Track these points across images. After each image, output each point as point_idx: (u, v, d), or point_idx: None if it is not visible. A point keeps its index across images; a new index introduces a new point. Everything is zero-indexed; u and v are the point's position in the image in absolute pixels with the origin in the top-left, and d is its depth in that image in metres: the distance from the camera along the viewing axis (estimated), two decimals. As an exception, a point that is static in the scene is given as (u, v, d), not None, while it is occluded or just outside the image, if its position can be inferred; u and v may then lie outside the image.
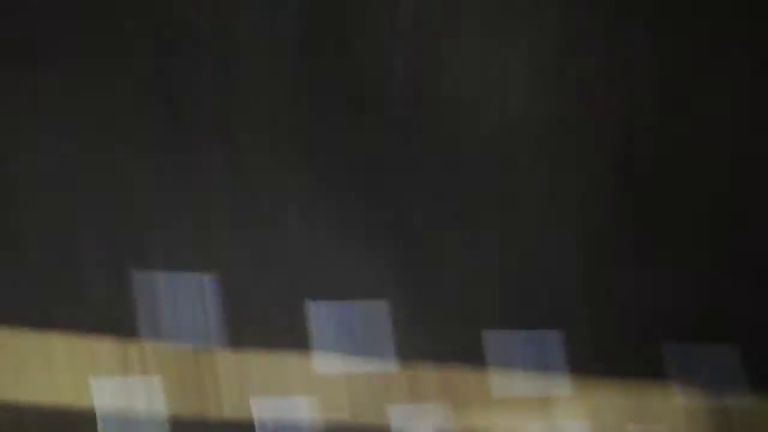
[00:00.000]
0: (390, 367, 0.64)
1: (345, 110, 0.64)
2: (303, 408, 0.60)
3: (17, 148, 0.55)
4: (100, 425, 0.54)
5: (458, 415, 0.64)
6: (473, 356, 0.65)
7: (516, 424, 0.64)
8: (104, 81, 0.58)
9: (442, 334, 0.65)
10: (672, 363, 0.68)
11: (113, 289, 0.57)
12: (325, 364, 0.62)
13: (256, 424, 0.58)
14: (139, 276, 0.58)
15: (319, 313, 0.63)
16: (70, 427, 0.54)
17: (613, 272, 0.67)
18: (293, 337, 0.62)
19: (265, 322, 0.61)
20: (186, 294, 0.60)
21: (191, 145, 0.61)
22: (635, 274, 0.68)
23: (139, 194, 0.58)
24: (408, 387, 0.64)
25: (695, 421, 0.66)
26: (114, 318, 0.57)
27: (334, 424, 0.59)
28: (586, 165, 0.66)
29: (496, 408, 0.64)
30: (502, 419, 0.63)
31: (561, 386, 0.67)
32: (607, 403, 0.68)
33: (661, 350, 0.68)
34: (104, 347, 0.59)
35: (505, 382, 0.65)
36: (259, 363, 0.60)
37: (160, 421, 0.56)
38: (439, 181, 0.65)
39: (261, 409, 0.59)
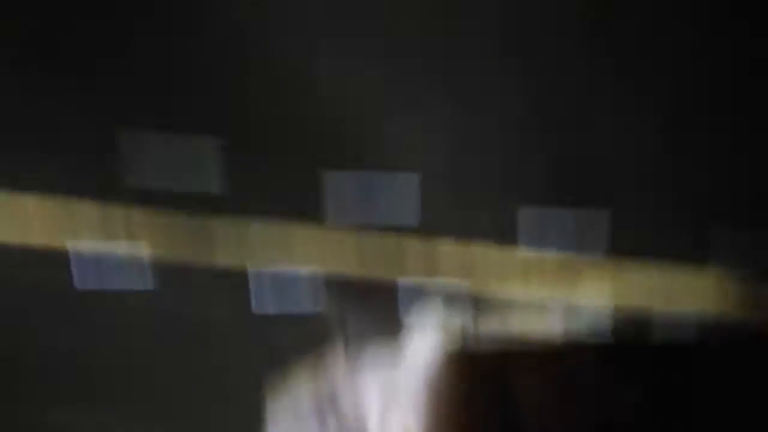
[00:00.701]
0: (409, 239, 0.58)
1: None
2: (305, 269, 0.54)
3: None
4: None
5: (476, 287, 0.59)
6: (504, 234, 0.60)
7: (537, 297, 0.59)
8: None
9: (473, 210, 0.59)
10: (719, 248, 0.64)
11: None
12: (336, 234, 0.56)
13: (250, 276, 0.53)
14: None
15: (336, 184, 0.55)
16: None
17: (671, 156, 0.60)
18: (305, 207, 0.55)
19: (274, 190, 0.54)
20: (183, 158, 0.52)
21: None
22: (693, 159, 0.61)
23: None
24: (425, 260, 0.59)
25: (729, 303, 0.63)
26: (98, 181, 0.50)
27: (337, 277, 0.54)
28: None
29: (517, 281, 0.59)
30: (522, 292, 0.59)
31: (593, 265, 0.62)
32: (637, 283, 0.64)
33: (708, 235, 0.63)
34: (86, 211, 0.53)
35: (533, 260, 0.61)
36: (262, 232, 0.54)
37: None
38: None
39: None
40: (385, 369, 0.39)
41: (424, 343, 0.38)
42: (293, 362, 0.41)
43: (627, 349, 0.44)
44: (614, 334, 0.42)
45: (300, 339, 0.41)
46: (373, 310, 0.39)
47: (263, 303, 0.47)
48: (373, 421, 0.39)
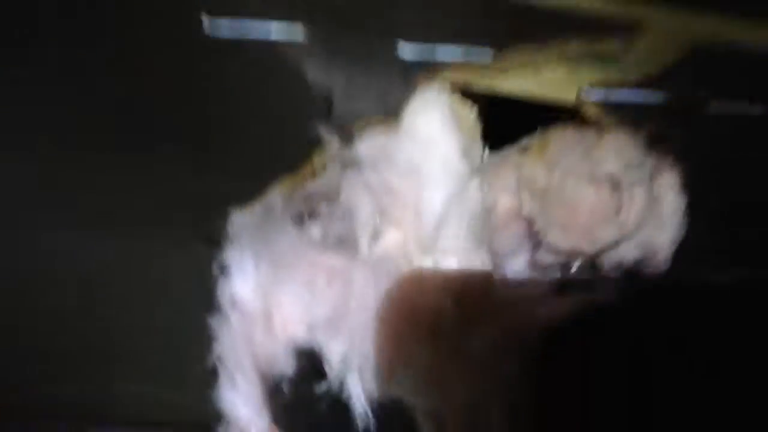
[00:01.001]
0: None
1: None
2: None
3: None
4: None
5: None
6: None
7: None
8: None
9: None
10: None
11: None
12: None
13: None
14: None
15: None
16: None
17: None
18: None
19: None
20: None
21: None
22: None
23: None
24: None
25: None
26: None
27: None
28: None
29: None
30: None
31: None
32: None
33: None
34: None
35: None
36: None
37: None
38: None
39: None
40: (381, 165, 0.31)
41: (429, 136, 0.30)
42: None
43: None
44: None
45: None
46: (375, 84, 0.30)
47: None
48: (364, 227, 0.32)
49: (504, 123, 0.39)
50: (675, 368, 0.48)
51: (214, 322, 0.30)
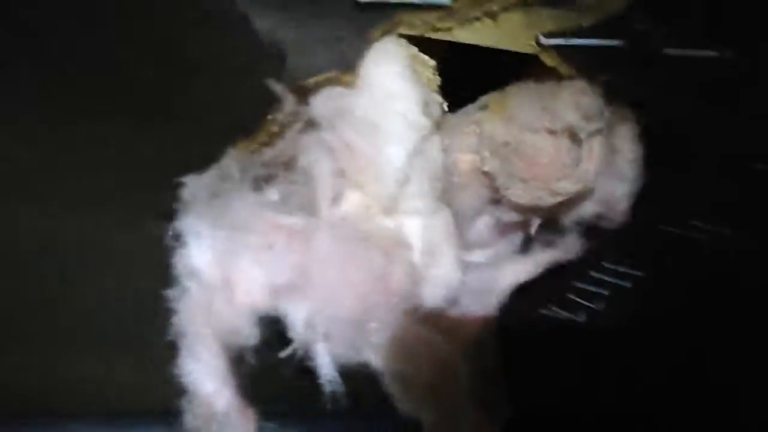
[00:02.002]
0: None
1: None
2: None
3: None
4: None
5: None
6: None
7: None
8: None
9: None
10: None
11: None
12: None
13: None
14: None
15: None
16: None
17: None
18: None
19: None
20: None
21: None
22: None
23: None
24: None
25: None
26: None
27: None
28: None
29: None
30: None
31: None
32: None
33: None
34: None
35: None
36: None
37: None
38: None
39: None
40: (338, 123, 0.29)
41: (387, 91, 0.29)
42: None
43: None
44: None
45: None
46: (329, 36, 0.28)
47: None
48: (324, 189, 0.30)
49: (464, 79, 0.38)
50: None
51: (172, 295, 0.28)
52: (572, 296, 0.59)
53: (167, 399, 0.30)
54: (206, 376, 0.26)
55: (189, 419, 0.26)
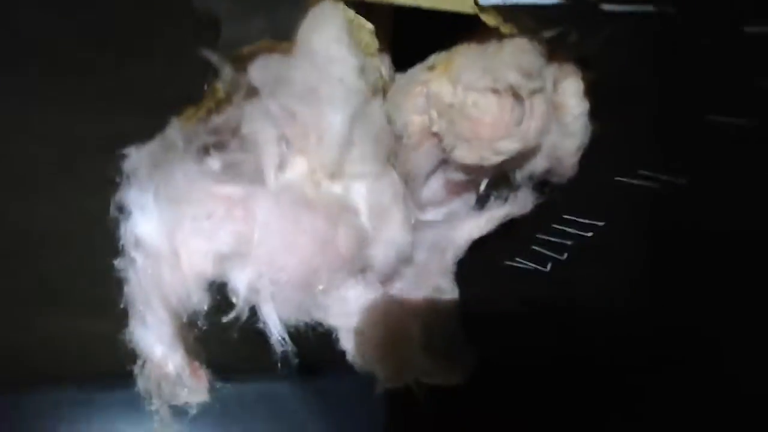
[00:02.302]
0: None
1: None
2: None
3: None
4: None
5: None
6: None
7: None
8: None
9: None
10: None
11: None
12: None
13: None
14: None
15: None
16: None
17: None
18: None
19: None
20: None
21: None
22: None
23: None
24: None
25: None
26: None
27: None
28: None
29: None
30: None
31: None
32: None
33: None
34: None
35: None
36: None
37: None
38: None
39: None
40: (278, 90, 0.30)
41: (328, 56, 0.29)
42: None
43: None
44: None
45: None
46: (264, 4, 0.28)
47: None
48: (268, 157, 0.31)
49: (414, 41, 0.38)
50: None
51: (120, 264, 0.29)
52: (537, 248, 0.60)
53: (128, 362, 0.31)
54: (155, 342, 0.27)
55: (142, 382, 0.27)
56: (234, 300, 0.28)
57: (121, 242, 0.29)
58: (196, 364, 0.29)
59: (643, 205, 0.51)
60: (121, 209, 0.29)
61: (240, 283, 0.28)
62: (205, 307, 0.29)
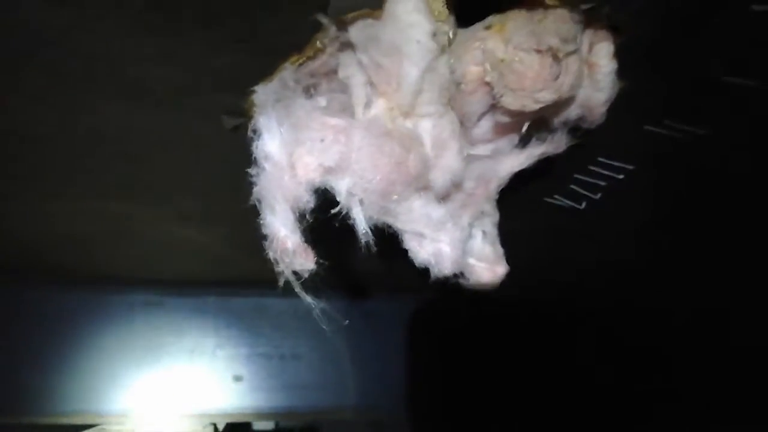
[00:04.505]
0: None
1: None
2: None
3: None
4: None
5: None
6: None
7: None
8: None
9: None
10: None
11: None
12: None
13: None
14: None
15: None
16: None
17: None
18: None
19: None
20: None
21: None
22: None
23: None
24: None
25: None
26: None
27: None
28: None
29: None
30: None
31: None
32: None
33: None
34: None
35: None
36: None
37: None
38: None
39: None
40: (370, 46, 0.39)
41: (407, 20, 0.38)
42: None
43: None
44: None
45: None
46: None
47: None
48: (358, 97, 0.41)
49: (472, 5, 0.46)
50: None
51: (252, 172, 0.40)
52: (574, 186, 0.69)
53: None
54: (280, 225, 0.38)
55: (270, 254, 0.38)
56: (337, 201, 0.39)
57: (253, 155, 0.39)
58: (306, 244, 0.39)
59: (668, 153, 0.59)
60: (254, 131, 0.39)
61: (340, 189, 0.38)
62: (312, 206, 0.39)
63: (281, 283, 0.38)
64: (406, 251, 0.44)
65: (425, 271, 0.46)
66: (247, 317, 0.85)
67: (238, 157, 0.41)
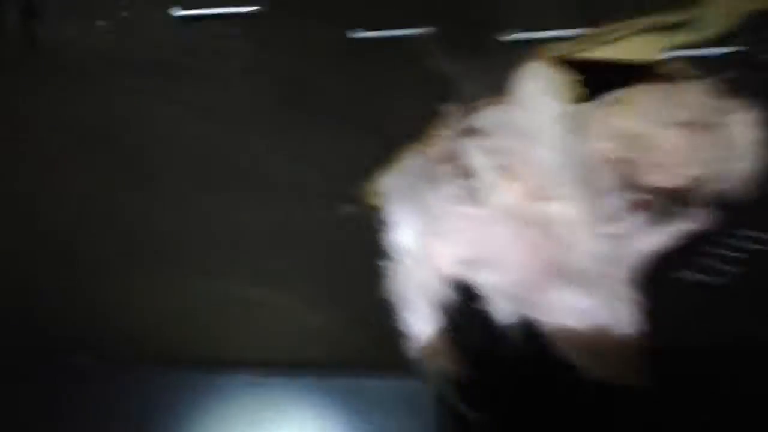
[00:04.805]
0: None
1: None
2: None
3: None
4: None
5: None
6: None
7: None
8: None
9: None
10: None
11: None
12: None
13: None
14: None
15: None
16: None
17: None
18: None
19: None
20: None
21: None
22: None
23: None
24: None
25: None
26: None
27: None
28: None
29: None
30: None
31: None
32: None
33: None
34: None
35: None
36: None
37: None
38: None
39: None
40: (499, 131, 0.39)
41: (536, 104, 0.38)
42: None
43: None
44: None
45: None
46: (487, 67, 0.38)
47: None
48: (483, 183, 0.40)
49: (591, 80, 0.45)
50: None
51: (385, 265, 0.39)
52: (710, 261, 0.63)
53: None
54: (423, 323, 0.36)
55: (410, 351, 0.37)
56: (477, 294, 0.37)
57: (382, 246, 0.39)
58: (449, 343, 0.38)
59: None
60: (383, 222, 0.39)
61: (480, 280, 0.37)
62: (451, 301, 0.38)
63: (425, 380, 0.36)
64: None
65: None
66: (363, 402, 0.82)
67: (350, 244, 0.41)
